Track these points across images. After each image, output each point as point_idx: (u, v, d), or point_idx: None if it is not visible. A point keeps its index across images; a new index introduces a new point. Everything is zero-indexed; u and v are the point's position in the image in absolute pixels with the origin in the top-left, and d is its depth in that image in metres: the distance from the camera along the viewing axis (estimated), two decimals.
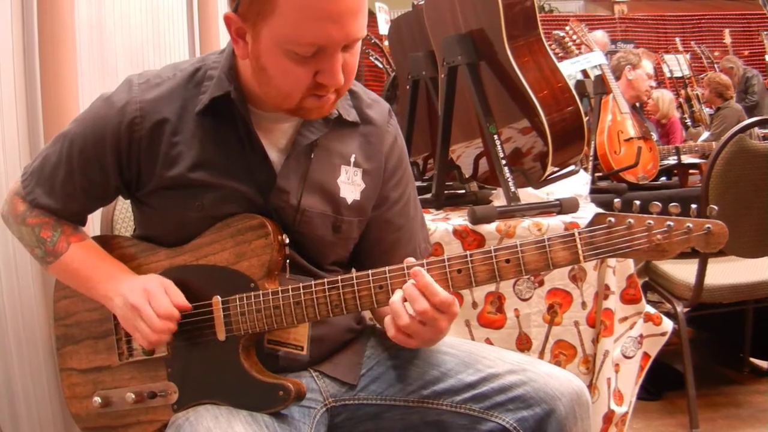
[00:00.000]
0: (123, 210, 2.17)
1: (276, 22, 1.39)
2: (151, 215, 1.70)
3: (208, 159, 1.60)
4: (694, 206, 1.39)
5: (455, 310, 1.50)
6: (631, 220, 1.40)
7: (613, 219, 1.41)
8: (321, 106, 1.52)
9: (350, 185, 1.71)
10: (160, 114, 1.60)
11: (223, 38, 3.53)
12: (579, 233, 1.43)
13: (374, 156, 1.75)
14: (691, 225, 1.37)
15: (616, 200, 1.44)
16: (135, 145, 1.60)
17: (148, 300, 1.55)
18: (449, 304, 1.47)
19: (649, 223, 1.39)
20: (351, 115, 1.71)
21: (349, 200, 1.70)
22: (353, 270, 1.64)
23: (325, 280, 1.53)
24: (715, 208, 1.37)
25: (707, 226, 1.37)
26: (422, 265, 1.49)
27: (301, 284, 1.54)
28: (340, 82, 1.46)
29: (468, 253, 1.48)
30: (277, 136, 1.65)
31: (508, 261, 1.46)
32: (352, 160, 1.71)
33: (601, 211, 1.44)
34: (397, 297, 1.48)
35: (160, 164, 1.60)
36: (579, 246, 1.43)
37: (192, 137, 1.60)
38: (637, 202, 1.42)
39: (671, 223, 1.38)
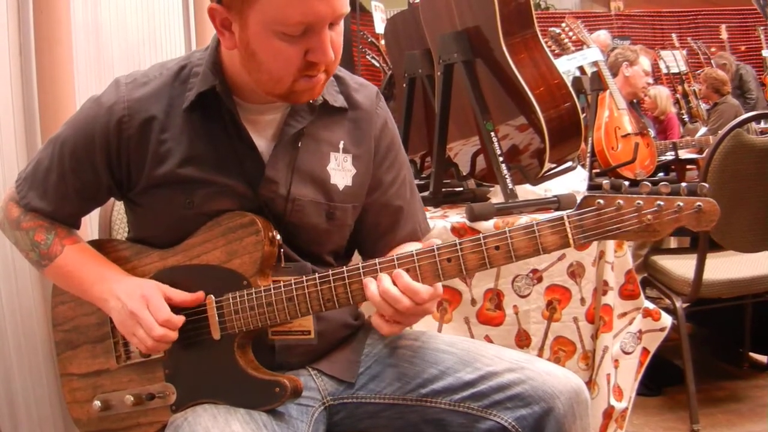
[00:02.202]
0: (121, 212, 2.17)
1: (263, 5, 1.41)
2: (143, 216, 1.71)
3: (197, 154, 1.61)
4: (684, 185, 1.36)
5: (439, 293, 1.52)
6: (621, 201, 1.37)
7: (602, 201, 1.39)
8: (312, 87, 1.52)
9: (341, 171, 1.71)
10: (148, 112, 1.61)
11: None
12: (568, 216, 1.41)
13: (363, 140, 1.75)
14: (681, 204, 1.35)
15: (605, 181, 1.42)
16: (124, 144, 1.61)
17: (147, 306, 1.55)
18: (435, 296, 1.50)
19: (639, 204, 1.37)
20: (338, 101, 1.72)
21: (341, 186, 1.71)
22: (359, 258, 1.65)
23: (317, 275, 1.54)
24: (706, 185, 1.35)
25: (698, 204, 1.34)
26: (411, 255, 1.49)
27: (293, 279, 1.55)
28: (331, 58, 1.48)
29: (458, 241, 1.47)
30: (264, 127, 1.65)
31: (497, 248, 1.45)
32: (341, 146, 1.72)
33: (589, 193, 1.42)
34: (374, 291, 1.49)
35: (149, 162, 1.61)
36: (568, 229, 1.41)
37: (180, 134, 1.61)
38: (626, 183, 1.40)
39: (661, 203, 1.36)
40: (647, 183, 1.38)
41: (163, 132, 1.60)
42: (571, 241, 1.42)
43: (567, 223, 1.42)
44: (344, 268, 1.52)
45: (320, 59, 1.47)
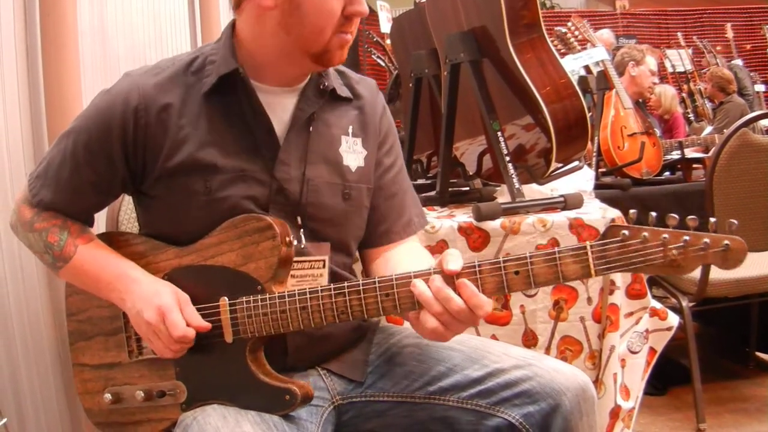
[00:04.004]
0: (128, 211, 2.18)
1: None
2: (156, 209, 1.71)
3: (215, 139, 1.63)
4: (713, 220, 1.31)
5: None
6: (646, 234, 1.34)
7: (627, 232, 1.36)
8: (343, 46, 1.63)
9: (352, 154, 1.76)
10: (163, 99, 1.63)
11: None
12: (591, 246, 1.39)
13: (369, 124, 1.82)
14: (708, 241, 1.31)
15: (631, 212, 1.38)
16: (141, 132, 1.62)
17: (163, 320, 1.55)
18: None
19: (665, 237, 1.33)
20: (344, 92, 1.79)
21: (353, 167, 1.76)
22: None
23: (332, 285, 1.53)
24: (735, 222, 1.31)
25: (725, 242, 1.30)
26: (429, 274, 1.47)
27: (307, 288, 1.54)
28: (366, 9, 1.61)
29: (477, 263, 1.45)
30: (278, 112, 1.69)
31: (517, 273, 1.42)
32: (350, 130, 1.78)
33: (614, 221, 1.39)
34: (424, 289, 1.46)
35: (167, 149, 1.62)
36: (591, 259, 1.38)
37: (198, 119, 1.63)
38: (653, 214, 1.36)
39: (687, 238, 1.32)
40: (674, 216, 1.34)
41: (180, 118, 1.63)
42: (593, 272, 1.39)
43: (589, 253, 1.39)
44: (359, 281, 1.52)
45: (358, 10, 1.59)
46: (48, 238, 1.70)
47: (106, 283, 1.65)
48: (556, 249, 1.41)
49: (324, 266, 1.69)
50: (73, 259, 1.68)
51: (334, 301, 1.52)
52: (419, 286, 1.45)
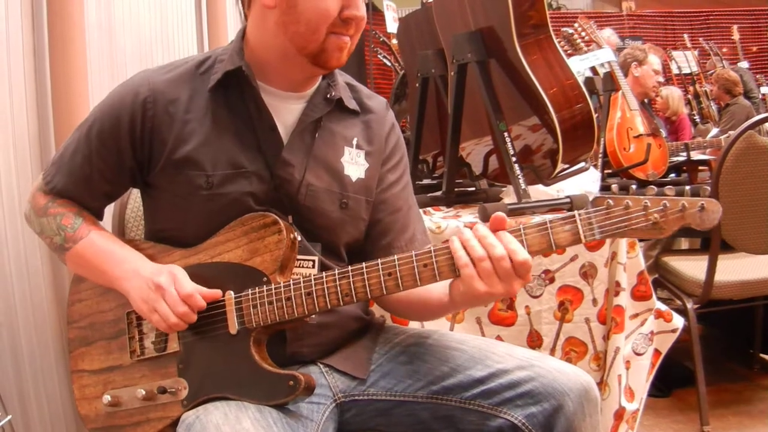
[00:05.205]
0: (134, 210, 2.18)
1: None
2: (161, 201, 1.73)
3: (219, 134, 1.66)
4: (688, 188, 1.45)
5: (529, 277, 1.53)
6: (629, 201, 1.45)
7: (611, 201, 1.46)
8: (341, 48, 1.63)
9: (354, 165, 1.78)
10: (172, 94, 1.67)
11: (231, 37, 3.55)
12: (579, 214, 1.47)
13: (375, 139, 1.83)
14: (685, 203, 1.42)
15: (613, 185, 1.50)
16: (148, 124, 1.66)
17: (174, 281, 1.59)
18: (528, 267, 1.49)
19: (646, 203, 1.44)
20: (352, 104, 1.81)
21: (354, 178, 1.77)
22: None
23: (336, 270, 1.56)
24: (708, 188, 1.44)
25: (701, 203, 1.42)
26: (429, 252, 1.52)
27: (312, 275, 1.57)
28: (363, 14, 1.62)
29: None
30: (284, 115, 1.71)
31: None
32: (355, 142, 1.79)
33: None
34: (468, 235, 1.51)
35: (172, 141, 1.65)
36: (580, 226, 1.47)
37: (204, 115, 1.67)
38: (634, 186, 1.49)
39: (667, 203, 1.43)
40: (653, 187, 1.47)
41: (187, 113, 1.67)
42: (582, 237, 1.47)
43: (578, 221, 1.47)
44: (363, 264, 1.55)
45: (354, 14, 1.59)
46: (62, 221, 1.73)
47: (112, 264, 1.68)
48: (548, 219, 1.49)
49: (314, 266, 1.71)
50: (83, 240, 1.71)
51: (338, 284, 1.55)
52: (466, 231, 1.51)
